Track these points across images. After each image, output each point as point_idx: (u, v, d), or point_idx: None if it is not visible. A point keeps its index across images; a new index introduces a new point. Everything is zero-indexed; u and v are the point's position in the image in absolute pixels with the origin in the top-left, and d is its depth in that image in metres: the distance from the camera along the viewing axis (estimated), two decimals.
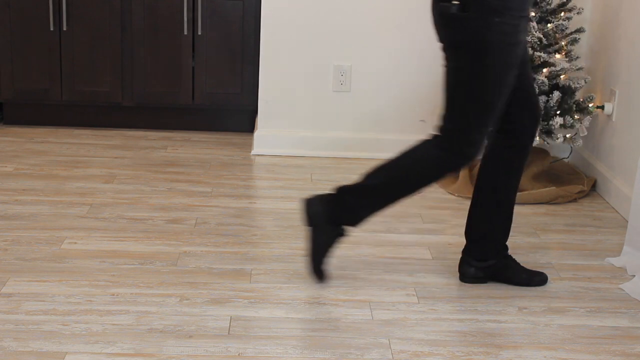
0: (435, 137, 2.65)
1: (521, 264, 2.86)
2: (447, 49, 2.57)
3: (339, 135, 4.22)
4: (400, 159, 2.72)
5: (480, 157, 2.71)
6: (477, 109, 2.54)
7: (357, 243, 3.14)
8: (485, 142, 2.64)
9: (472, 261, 2.83)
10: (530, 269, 2.88)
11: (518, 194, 3.61)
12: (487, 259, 2.81)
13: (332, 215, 2.71)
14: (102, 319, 2.48)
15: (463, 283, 2.83)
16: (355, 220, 2.73)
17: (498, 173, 2.75)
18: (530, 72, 2.73)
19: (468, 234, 2.85)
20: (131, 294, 2.65)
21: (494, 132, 2.68)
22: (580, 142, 3.75)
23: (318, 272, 2.76)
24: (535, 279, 2.83)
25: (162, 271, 2.83)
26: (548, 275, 2.88)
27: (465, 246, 2.85)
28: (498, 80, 2.50)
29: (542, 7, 3.66)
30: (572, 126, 3.68)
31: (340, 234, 2.75)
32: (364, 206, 2.71)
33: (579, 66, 3.81)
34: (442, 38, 2.58)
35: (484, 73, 2.49)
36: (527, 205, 3.62)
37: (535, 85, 2.77)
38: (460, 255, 2.90)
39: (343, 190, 2.72)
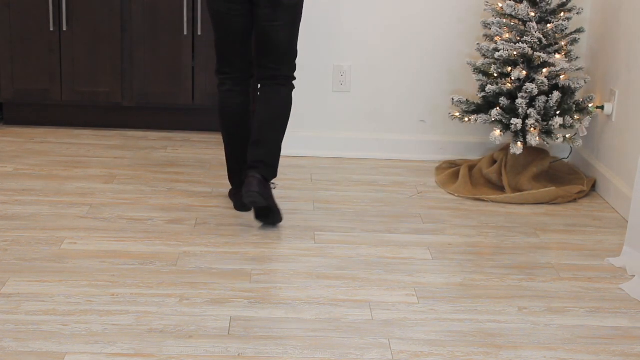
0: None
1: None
2: None
3: (339, 135, 4.22)
4: (283, 114, 3.33)
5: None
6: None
7: (357, 243, 3.14)
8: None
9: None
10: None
11: (518, 194, 3.64)
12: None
13: (269, 178, 3.25)
14: (102, 319, 2.48)
15: (463, 283, 2.84)
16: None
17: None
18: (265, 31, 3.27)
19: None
20: (131, 294, 2.65)
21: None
22: (580, 142, 3.75)
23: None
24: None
25: (162, 271, 2.83)
26: (548, 274, 2.89)
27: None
28: (213, 24, 3.31)
29: (542, 7, 3.66)
30: (572, 126, 3.68)
31: None
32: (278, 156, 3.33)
33: (579, 66, 3.81)
34: None
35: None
36: (527, 206, 3.62)
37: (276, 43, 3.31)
38: (459, 256, 2.89)
39: (267, 164, 3.23)
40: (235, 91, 3.35)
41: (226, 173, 3.47)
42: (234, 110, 3.36)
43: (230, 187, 3.52)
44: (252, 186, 3.13)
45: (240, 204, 3.41)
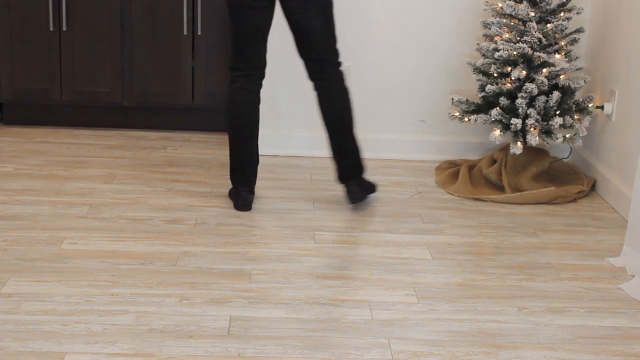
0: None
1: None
2: None
3: None
4: (349, 103, 3.45)
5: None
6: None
7: (357, 243, 3.14)
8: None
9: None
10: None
11: (518, 194, 3.63)
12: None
13: (362, 176, 3.53)
14: (101, 319, 2.48)
15: (463, 283, 2.84)
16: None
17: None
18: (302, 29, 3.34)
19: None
20: (131, 294, 2.65)
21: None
22: (580, 142, 3.75)
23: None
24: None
25: (162, 271, 2.83)
26: (546, 273, 2.90)
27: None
28: (232, 17, 3.30)
29: (542, 7, 3.66)
30: (571, 126, 3.68)
31: None
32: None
33: (579, 66, 3.81)
34: None
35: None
36: (527, 205, 3.62)
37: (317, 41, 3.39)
38: (459, 256, 2.89)
39: (356, 167, 3.48)
40: (246, 89, 3.37)
41: (226, 173, 3.47)
42: (243, 108, 3.38)
43: (230, 186, 3.52)
44: (356, 193, 3.46)
45: (240, 204, 3.41)
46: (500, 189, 3.75)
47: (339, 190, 3.71)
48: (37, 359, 2.26)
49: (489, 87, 3.67)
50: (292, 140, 4.21)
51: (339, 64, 3.39)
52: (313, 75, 3.41)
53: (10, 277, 2.73)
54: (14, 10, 4.33)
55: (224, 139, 4.45)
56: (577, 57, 3.87)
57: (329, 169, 4.02)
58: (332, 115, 3.42)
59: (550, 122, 3.61)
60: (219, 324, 2.48)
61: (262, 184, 3.75)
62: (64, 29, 4.35)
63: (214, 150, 4.25)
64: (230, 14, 3.28)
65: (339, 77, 3.40)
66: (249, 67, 3.35)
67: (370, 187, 3.54)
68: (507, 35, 3.72)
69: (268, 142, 4.19)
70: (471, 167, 3.94)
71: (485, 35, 3.83)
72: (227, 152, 4.20)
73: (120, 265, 2.86)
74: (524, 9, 3.63)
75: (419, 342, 2.43)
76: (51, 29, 4.33)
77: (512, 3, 3.64)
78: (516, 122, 3.59)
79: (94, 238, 3.08)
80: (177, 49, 4.39)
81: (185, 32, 4.35)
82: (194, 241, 3.09)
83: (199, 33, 4.36)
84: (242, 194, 3.42)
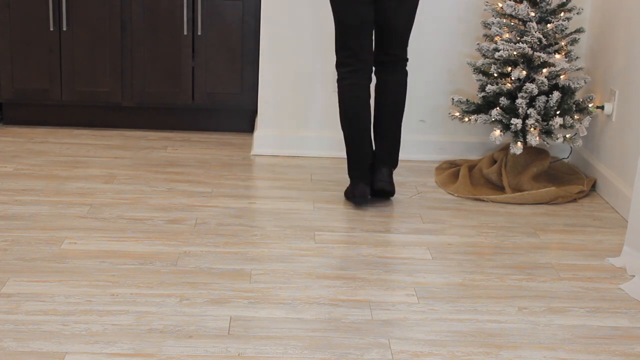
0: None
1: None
2: None
3: (339, 135, 4.20)
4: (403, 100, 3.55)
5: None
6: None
7: (357, 243, 3.14)
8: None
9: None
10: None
11: (518, 194, 3.64)
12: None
13: (394, 168, 3.59)
14: (102, 319, 2.48)
15: (463, 283, 2.84)
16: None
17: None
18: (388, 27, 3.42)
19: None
20: (131, 294, 2.65)
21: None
22: (580, 142, 3.75)
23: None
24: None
25: (162, 271, 2.83)
26: (546, 274, 2.90)
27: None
28: (338, 13, 3.38)
29: (542, 7, 3.66)
30: (571, 126, 3.68)
31: None
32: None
33: (579, 66, 3.81)
34: None
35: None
36: (527, 205, 3.62)
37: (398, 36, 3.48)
38: (459, 256, 2.89)
39: (393, 157, 3.55)
40: (356, 85, 3.43)
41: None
42: (356, 104, 3.46)
43: (340, 190, 3.58)
44: (384, 176, 3.48)
45: (358, 194, 3.45)
46: (500, 189, 3.75)
47: (339, 190, 3.72)
48: (37, 359, 2.26)
49: (489, 87, 3.67)
50: (292, 140, 4.21)
51: (407, 59, 3.53)
52: (380, 64, 3.50)
53: (10, 277, 2.73)
54: (14, 10, 4.33)
55: (224, 139, 4.45)
56: (577, 57, 3.87)
57: (329, 169, 4.02)
58: (387, 98, 3.50)
59: (550, 122, 3.61)
60: (219, 324, 2.48)
61: (262, 184, 3.76)
62: (64, 29, 4.35)
63: (214, 150, 4.25)
64: (337, 8, 3.35)
65: (403, 72, 3.52)
66: (357, 61, 3.40)
67: (393, 188, 3.55)
68: (507, 35, 3.72)
69: (268, 142, 4.19)
70: (471, 167, 3.94)
71: (486, 35, 3.83)
72: (228, 152, 4.22)
73: (120, 265, 2.86)
74: (524, 9, 3.63)
75: (419, 342, 2.43)
76: (51, 29, 4.33)
77: (512, 3, 3.64)
78: (516, 122, 3.59)
79: (94, 238, 3.08)
80: (177, 49, 4.39)
81: (185, 32, 4.35)
82: (194, 241, 3.09)
83: (199, 33, 4.36)
84: (360, 185, 3.46)
